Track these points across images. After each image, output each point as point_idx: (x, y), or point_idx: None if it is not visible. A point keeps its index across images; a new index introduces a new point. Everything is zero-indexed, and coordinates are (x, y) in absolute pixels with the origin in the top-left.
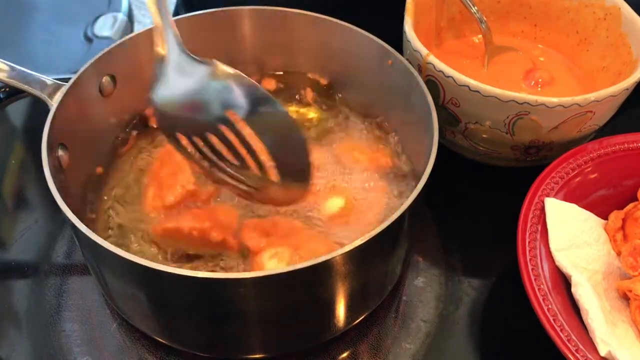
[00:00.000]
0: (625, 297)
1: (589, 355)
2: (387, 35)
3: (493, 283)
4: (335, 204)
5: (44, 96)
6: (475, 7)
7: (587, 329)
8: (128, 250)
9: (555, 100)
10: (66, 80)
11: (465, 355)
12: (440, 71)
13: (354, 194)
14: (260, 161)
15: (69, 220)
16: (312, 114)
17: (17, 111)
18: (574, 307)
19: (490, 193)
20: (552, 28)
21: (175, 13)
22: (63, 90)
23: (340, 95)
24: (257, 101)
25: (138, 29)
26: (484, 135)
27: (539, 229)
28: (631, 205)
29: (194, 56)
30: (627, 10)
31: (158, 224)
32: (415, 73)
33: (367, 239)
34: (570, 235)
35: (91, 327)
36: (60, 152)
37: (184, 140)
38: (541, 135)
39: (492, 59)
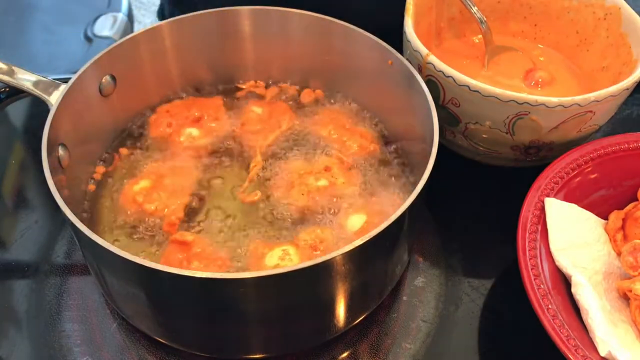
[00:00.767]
0: (625, 297)
1: (589, 355)
2: (387, 35)
3: (493, 283)
4: (357, 221)
5: (44, 96)
6: (475, 7)
7: (587, 329)
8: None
9: (555, 100)
10: (66, 80)
11: (465, 355)
12: (440, 71)
13: (371, 206)
14: None
15: (69, 220)
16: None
17: (17, 111)
18: (574, 307)
19: (490, 193)
20: (552, 28)
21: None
22: (63, 90)
23: (339, 95)
24: None
25: (138, 28)
26: (484, 135)
27: (539, 229)
28: (631, 205)
29: None
30: (627, 10)
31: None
32: (415, 73)
33: (367, 239)
34: (570, 235)
35: (91, 327)
36: (60, 152)
37: None
38: (541, 135)
39: (492, 59)
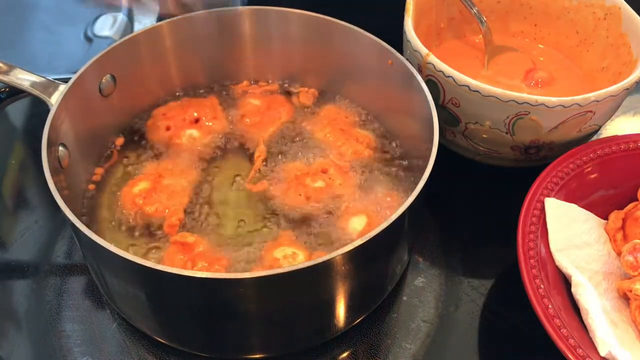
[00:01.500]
0: (626, 297)
1: (589, 355)
2: (387, 35)
3: (493, 283)
4: (358, 222)
5: (44, 96)
6: (475, 7)
7: (587, 329)
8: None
9: (555, 100)
10: (66, 80)
11: (465, 355)
12: (440, 71)
13: (372, 207)
14: None
15: (69, 220)
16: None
17: (17, 111)
18: (574, 307)
19: (490, 193)
20: (552, 28)
21: None
22: (63, 90)
23: (339, 96)
24: None
25: (138, 28)
26: (484, 135)
27: (539, 229)
28: (631, 205)
29: None
30: (627, 10)
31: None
32: (415, 73)
33: (367, 239)
34: (570, 235)
35: (91, 327)
36: (60, 152)
37: None
38: (541, 135)
39: (492, 59)
